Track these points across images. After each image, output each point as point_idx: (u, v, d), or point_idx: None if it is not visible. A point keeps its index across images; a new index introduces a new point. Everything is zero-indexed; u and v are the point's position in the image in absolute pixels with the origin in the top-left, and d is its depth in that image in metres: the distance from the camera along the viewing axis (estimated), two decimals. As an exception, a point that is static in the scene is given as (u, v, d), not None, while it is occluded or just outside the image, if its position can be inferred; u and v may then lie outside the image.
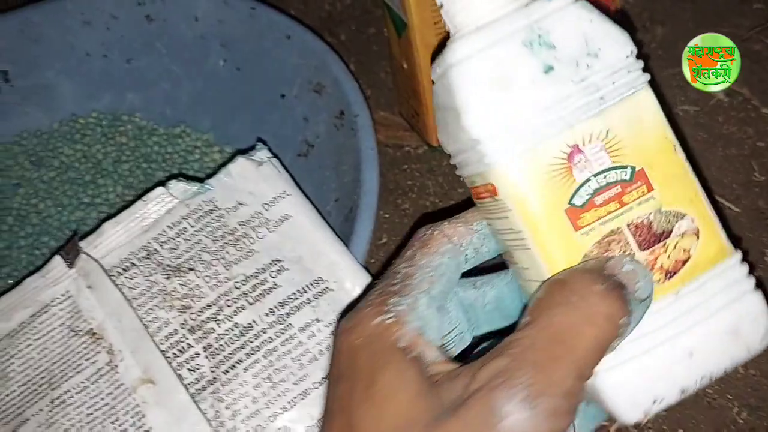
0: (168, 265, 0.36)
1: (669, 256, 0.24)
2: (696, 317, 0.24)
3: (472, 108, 0.24)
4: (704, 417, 0.38)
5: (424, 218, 0.50)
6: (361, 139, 0.43)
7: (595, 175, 0.24)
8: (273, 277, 0.36)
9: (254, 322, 0.35)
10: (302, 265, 0.36)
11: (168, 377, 0.33)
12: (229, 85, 0.54)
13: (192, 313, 0.35)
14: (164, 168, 0.54)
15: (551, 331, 0.21)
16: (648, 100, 0.25)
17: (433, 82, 0.26)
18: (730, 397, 0.39)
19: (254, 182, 0.38)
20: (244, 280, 0.36)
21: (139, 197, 0.38)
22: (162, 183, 0.38)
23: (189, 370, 0.34)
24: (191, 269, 0.36)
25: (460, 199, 0.50)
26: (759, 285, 0.25)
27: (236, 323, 0.35)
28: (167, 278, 0.36)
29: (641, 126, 0.24)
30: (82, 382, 0.34)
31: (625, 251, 0.24)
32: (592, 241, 0.24)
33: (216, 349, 0.34)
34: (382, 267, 0.37)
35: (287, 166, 0.50)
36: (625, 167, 0.24)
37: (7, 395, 0.34)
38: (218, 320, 0.35)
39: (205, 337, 0.34)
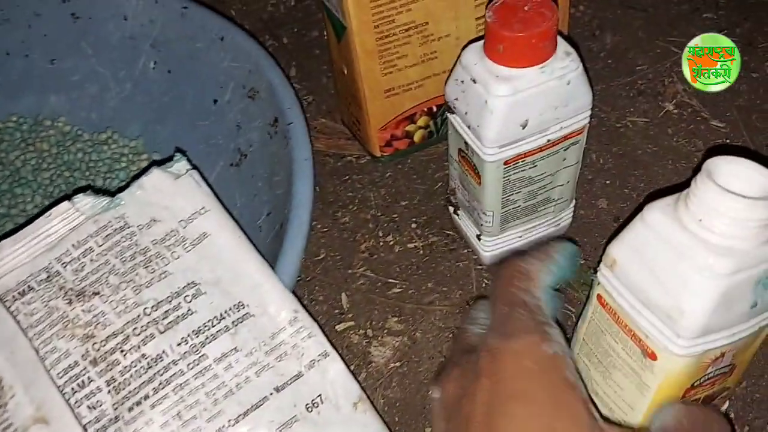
0: (71, 289, 0.33)
1: None
2: None
3: (698, 313, 0.26)
4: None
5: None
6: (294, 149, 0.41)
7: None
8: (188, 302, 0.33)
9: (164, 352, 0.31)
10: (221, 288, 0.33)
11: (64, 415, 0.30)
12: (159, 89, 0.51)
13: (95, 343, 0.32)
14: (88, 177, 0.50)
15: None
16: None
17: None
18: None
19: (170, 196, 0.35)
20: (154, 306, 0.32)
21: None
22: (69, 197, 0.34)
23: (89, 407, 0.30)
24: (96, 293, 0.33)
25: (402, 212, 0.47)
26: None
27: (144, 354, 0.31)
28: (69, 304, 0.32)
29: None
30: (-32, 422, 0.30)
31: None
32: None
33: (120, 383, 0.31)
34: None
35: (219, 176, 0.48)
36: None
37: None
38: (124, 351, 0.31)
39: (108, 370, 0.31)
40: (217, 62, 0.48)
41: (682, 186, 0.27)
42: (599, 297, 0.31)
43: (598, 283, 0.31)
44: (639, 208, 0.28)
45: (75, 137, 0.52)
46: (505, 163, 0.36)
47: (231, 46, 0.47)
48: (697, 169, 0.27)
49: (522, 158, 0.37)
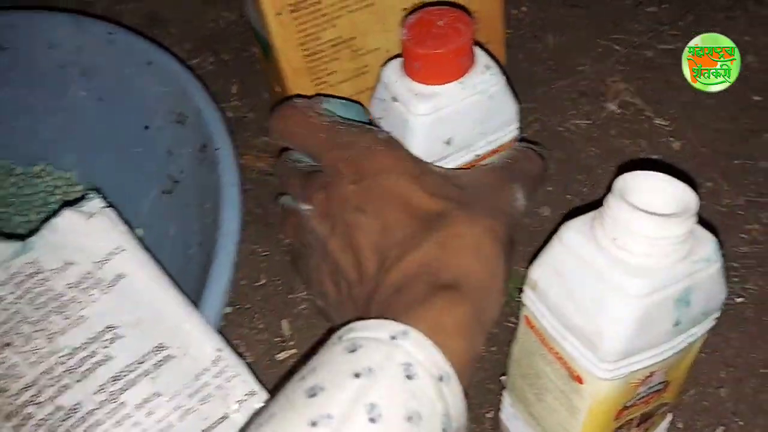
0: (-18, 341, 0.31)
1: None
2: None
3: (617, 336, 0.25)
4: None
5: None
6: (221, 176, 0.39)
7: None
8: (105, 347, 0.31)
9: (80, 403, 0.30)
10: (140, 330, 0.32)
11: (-25, 477, 0.29)
12: (91, 118, 0.50)
13: (9, 397, 0.30)
14: (22, 212, 0.49)
15: (523, 166, 0.34)
16: None
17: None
18: None
19: (84, 237, 0.33)
20: (69, 354, 0.31)
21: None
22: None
23: (2, 465, 0.29)
24: (8, 344, 0.31)
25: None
26: None
27: (59, 406, 0.30)
28: (-21, 357, 0.31)
29: None
30: None
31: None
32: None
33: (35, 438, 0.30)
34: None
35: (153, 205, 0.46)
36: None
37: None
38: (38, 403, 0.30)
39: (23, 425, 0.30)
40: (146, 87, 0.46)
41: (599, 203, 0.26)
42: (526, 318, 0.30)
43: (524, 305, 0.30)
44: (556, 229, 0.27)
45: (8, 171, 0.51)
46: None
47: (159, 71, 0.46)
48: (609, 186, 0.26)
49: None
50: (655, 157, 0.46)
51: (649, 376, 0.28)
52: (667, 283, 0.25)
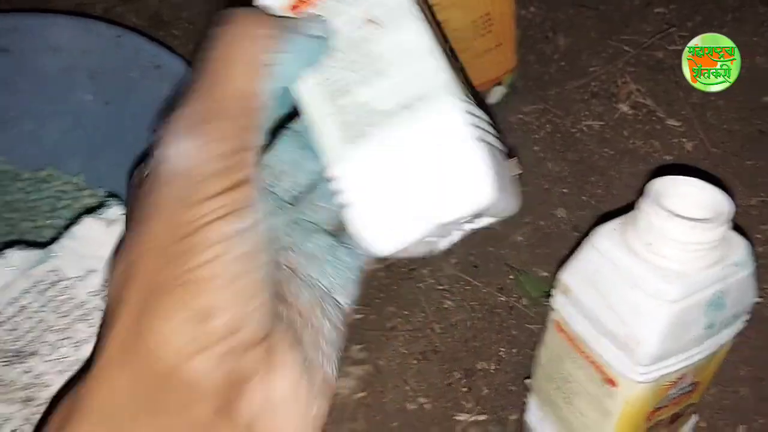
0: (8, 350, 0.31)
1: None
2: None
3: (653, 340, 0.25)
4: None
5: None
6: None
7: None
8: (131, 356, 0.31)
9: (108, 411, 0.30)
10: (166, 337, 0.32)
11: (3, 489, 0.28)
12: (98, 122, 0.49)
13: (37, 405, 0.30)
14: (30, 218, 0.48)
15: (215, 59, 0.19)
16: None
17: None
18: None
19: (105, 245, 0.33)
20: (95, 363, 0.31)
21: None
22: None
23: (30, 477, 0.29)
24: (34, 353, 0.31)
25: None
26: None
27: (87, 415, 0.30)
28: (7, 365, 0.31)
29: None
30: None
31: None
32: None
33: (62, 448, 0.29)
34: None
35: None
36: None
37: None
38: (65, 413, 0.30)
39: (49, 436, 0.29)
40: (154, 91, 0.46)
41: (630, 208, 0.27)
42: (556, 323, 0.30)
43: (554, 309, 0.30)
44: (586, 234, 0.27)
45: (15, 176, 0.50)
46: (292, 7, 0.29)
47: (167, 75, 0.45)
48: (641, 191, 0.26)
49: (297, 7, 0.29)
50: (668, 158, 0.46)
51: (680, 378, 0.28)
52: (701, 288, 0.25)
